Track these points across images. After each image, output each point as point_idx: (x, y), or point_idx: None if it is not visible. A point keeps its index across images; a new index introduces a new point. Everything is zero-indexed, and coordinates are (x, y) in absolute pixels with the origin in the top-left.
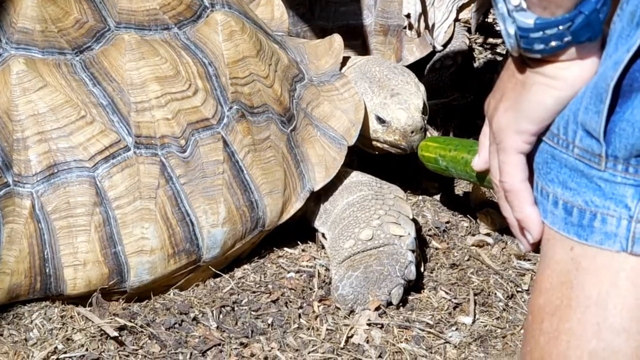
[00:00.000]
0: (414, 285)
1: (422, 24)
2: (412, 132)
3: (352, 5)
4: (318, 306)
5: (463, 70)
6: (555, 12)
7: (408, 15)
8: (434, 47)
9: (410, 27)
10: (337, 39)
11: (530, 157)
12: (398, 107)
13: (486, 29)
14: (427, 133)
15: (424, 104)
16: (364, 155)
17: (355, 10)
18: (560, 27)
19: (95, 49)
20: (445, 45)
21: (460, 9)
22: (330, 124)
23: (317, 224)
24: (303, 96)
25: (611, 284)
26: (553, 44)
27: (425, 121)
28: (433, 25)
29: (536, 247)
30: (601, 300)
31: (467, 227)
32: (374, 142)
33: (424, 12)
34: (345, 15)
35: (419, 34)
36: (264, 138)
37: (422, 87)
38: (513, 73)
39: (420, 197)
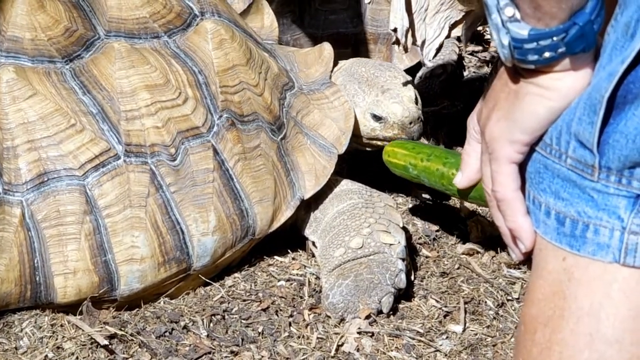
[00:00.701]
0: (404, 294)
1: (410, 39)
2: (410, 123)
3: (342, 14)
4: (308, 314)
5: (453, 78)
6: (550, 24)
7: (395, 30)
8: (424, 63)
9: (397, 42)
10: (327, 47)
11: (522, 166)
12: (392, 101)
13: (476, 38)
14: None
15: (416, 95)
16: (354, 163)
17: (345, 19)
18: (554, 38)
19: (85, 58)
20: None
21: (453, 26)
22: (321, 133)
23: (308, 232)
24: (293, 104)
25: (604, 294)
26: (547, 54)
27: (420, 111)
28: (423, 42)
29: (528, 256)
30: (594, 311)
31: (457, 235)
32: (374, 141)
33: (412, 27)
34: (335, 24)
35: (406, 50)
36: (254, 146)
37: (409, 78)
38: (506, 82)
39: (411, 205)
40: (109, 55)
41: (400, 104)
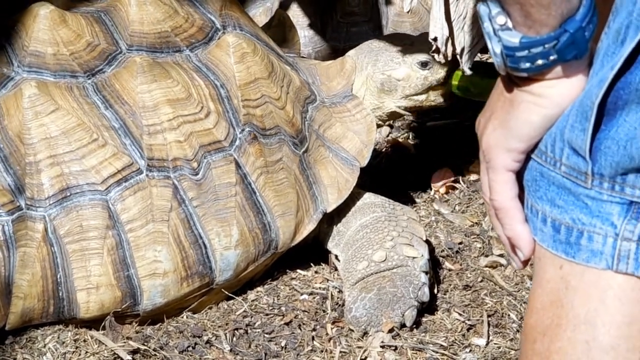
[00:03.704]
0: (427, 307)
1: (450, 48)
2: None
3: (364, 26)
4: (331, 328)
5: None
6: (540, 31)
7: (435, 39)
8: (463, 71)
9: (437, 51)
10: (348, 60)
11: (520, 174)
12: (427, 46)
13: None
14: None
15: None
16: (376, 176)
17: (367, 31)
18: (546, 46)
19: (107, 72)
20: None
21: None
22: (343, 145)
23: (330, 245)
24: (315, 118)
25: (599, 302)
26: (539, 62)
27: None
28: (462, 49)
29: (528, 264)
30: (590, 319)
31: (480, 248)
32: (426, 101)
33: (452, 35)
34: (356, 36)
35: (445, 58)
36: (276, 160)
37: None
38: (502, 91)
39: (433, 218)
40: (131, 69)
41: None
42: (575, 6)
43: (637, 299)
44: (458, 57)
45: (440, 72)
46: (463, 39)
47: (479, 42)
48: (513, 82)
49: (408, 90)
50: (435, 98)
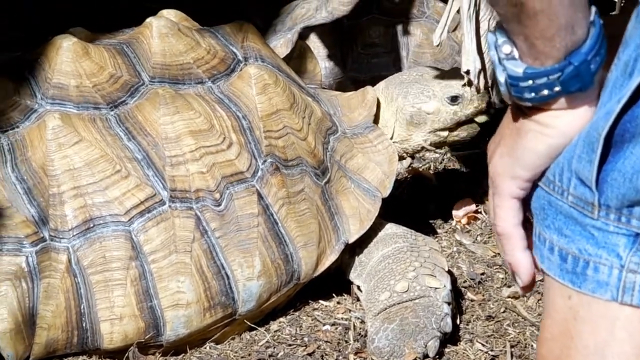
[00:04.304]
0: (450, 338)
1: (482, 81)
2: (485, 89)
3: (384, 57)
4: (354, 359)
5: (495, 119)
6: (545, 63)
7: (467, 72)
8: (493, 103)
9: (470, 83)
10: (370, 91)
11: (527, 201)
12: (458, 79)
13: None
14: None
15: None
16: (398, 207)
17: (388, 61)
18: (550, 77)
19: (130, 104)
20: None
21: None
22: (364, 176)
23: (352, 276)
24: (336, 148)
25: (608, 333)
26: (544, 92)
27: None
28: (493, 81)
29: (530, 290)
30: (599, 350)
31: (502, 278)
32: (450, 135)
33: (484, 68)
34: (377, 67)
35: (478, 91)
36: (299, 191)
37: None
38: (510, 119)
39: (455, 249)
40: (154, 101)
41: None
42: (581, 39)
43: None
44: (490, 89)
45: (470, 108)
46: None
47: None
48: (521, 110)
49: (437, 124)
50: (458, 133)
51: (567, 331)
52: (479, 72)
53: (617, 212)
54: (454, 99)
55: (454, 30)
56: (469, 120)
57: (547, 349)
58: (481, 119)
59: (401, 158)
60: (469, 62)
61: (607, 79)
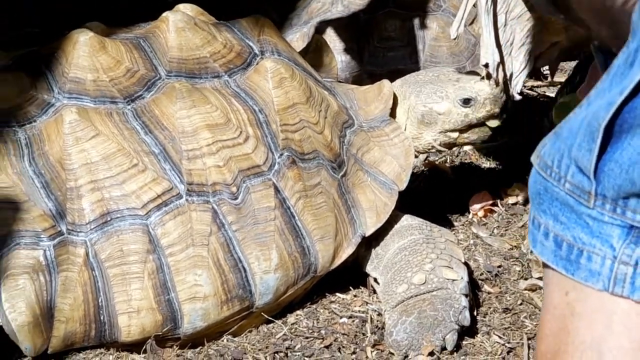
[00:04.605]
0: (467, 330)
1: (501, 74)
2: (500, 92)
3: (401, 50)
4: (371, 351)
5: (513, 113)
6: None
7: (486, 65)
8: (512, 96)
9: (489, 76)
10: (386, 85)
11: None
12: (473, 81)
13: (534, 73)
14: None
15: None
16: (414, 200)
17: (404, 55)
18: None
19: (147, 98)
20: (520, 94)
21: (537, 59)
22: (381, 169)
23: (369, 268)
24: (353, 142)
25: (605, 327)
26: None
27: None
28: (511, 75)
29: None
30: (595, 345)
31: (519, 271)
32: (460, 137)
33: (502, 61)
34: (394, 60)
35: (497, 84)
36: (315, 184)
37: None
38: None
39: (472, 242)
40: (170, 95)
41: (482, 80)
42: None
43: None
44: (508, 82)
45: (482, 112)
46: (511, 65)
47: (526, 67)
48: None
49: (447, 125)
50: (469, 135)
51: (564, 327)
52: (498, 65)
53: (612, 203)
54: (466, 102)
55: (471, 23)
56: (481, 124)
57: (546, 344)
58: (493, 123)
59: None
60: (488, 55)
61: (612, 64)
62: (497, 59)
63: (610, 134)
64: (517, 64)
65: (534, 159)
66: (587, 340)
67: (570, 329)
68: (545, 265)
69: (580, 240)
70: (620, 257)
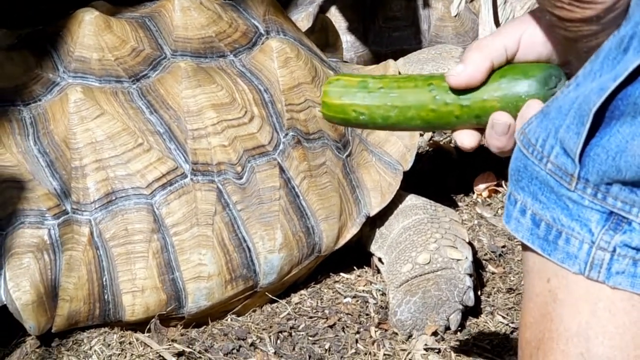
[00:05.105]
0: (471, 310)
1: None
2: None
3: (406, 30)
4: (375, 331)
5: None
6: None
7: None
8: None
9: None
10: (391, 64)
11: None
12: None
13: None
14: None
15: None
16: (419, 180)
17: (409, 35)
18: None
19: (152, 77)
20: None
21: None
22: (386, 150)
23: (373, 248)
24: None
25: (590, 314)
26: None
27: None
28: None
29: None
30: (582, 331)
31: None
32: None
33: None
34: (399, 40)
35: None
36: (320, 164)
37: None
38: None
39: (476, 222)
40: (176, 74)
41: None
42: None
43: (627, 310)
44: None
45: None
46: None
47: None
48: None
49: None
50: None
51: (547, 314)
52: None
53: (594, 188)
54: None
55: (472, 0)
56: None
57: (530, 332)
58: None
59: None
60: (486, 32)
61: (602, 46)
62: None
63: (600, 120)
64: None
65: (517, 135)
66: (573, 327)
67: (553, 316)
68: (524, 249)
69: (559, 222)
70: (598, 243)
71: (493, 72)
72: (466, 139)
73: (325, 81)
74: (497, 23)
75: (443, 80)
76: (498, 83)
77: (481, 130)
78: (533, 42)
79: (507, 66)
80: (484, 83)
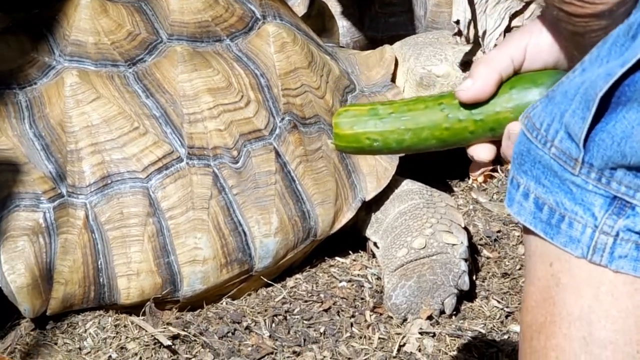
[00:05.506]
0: (466, 294)
1: (472, 31)
2: None
3: (402, 16)
4: (370, 315)
5: None
6: None
7: (457, 22)
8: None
9: (460, 33)
10: (388, 50)
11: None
12: (476, 48)
13: (510, 31)
14: None
15: None
16: (415, 165)
17: (405, 21)
18: None
19: (148, 61)
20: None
21: (513, 17)
22: None
23: (369, 232)
24: None
25: (592, 298)
26: None
27: None
28: (484, 32)
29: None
30: (584, 315)
31: (518, 236)
32: None
33: (474, 18)
34: (395, 26)
35: (467, 41)
36: (316, 149)
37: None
38: None
39: (471, 207)
40: (172, 58)
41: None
42: None
43: (630, 293)
44: (480, 40)
45: None
46: (485, 22)
47: (500, 25)
48: None
49: (446, 88)
50: None
51: (550, 298)
52: (469, 23)
53: (598, 172)
54: (465, 65)
55: None
56: None
57: (531, 316)
58: None
59: None
60: (459, 12)
61: (610, 33)
62: (469, 16)
63: (606, 105)
64: (492, 22)
65: (522, 119)
66: (575, 311)
67: (556, 299)
68: (526, 232)
69: (562, 206)
70: (601, 227)
71: (502, 84)
72: (482, 152)
73: (335, 113)
74: (470, 3)
75: (453, 98)
76: (509, 94)
77: (496, 142)
78: (539, 50)
79: (515, 77)
80: (494, 96)
